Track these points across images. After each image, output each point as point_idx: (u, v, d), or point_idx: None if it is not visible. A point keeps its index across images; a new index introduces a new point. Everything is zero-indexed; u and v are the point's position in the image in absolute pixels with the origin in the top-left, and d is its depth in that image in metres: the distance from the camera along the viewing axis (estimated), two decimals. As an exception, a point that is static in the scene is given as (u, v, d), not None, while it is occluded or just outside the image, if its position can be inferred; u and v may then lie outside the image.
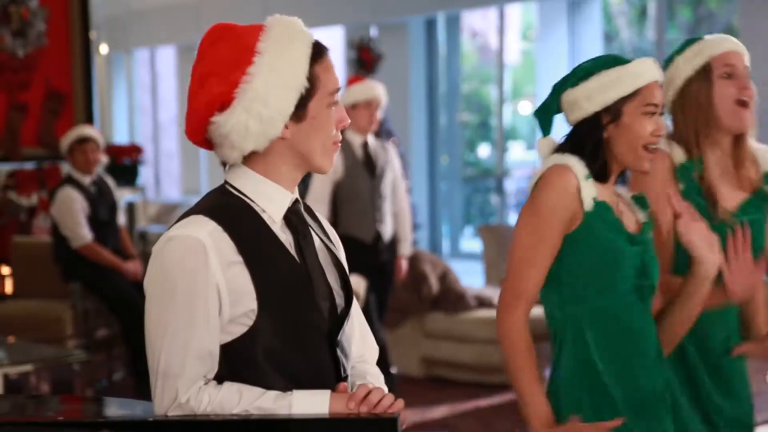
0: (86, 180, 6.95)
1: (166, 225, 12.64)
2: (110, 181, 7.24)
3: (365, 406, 2.00)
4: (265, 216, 2.08)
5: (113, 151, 9.32)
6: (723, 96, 2.85)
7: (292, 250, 2.09)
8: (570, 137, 2.63)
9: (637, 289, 2.59)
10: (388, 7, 11.55)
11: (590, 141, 2.59)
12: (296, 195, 2.14)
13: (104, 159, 7.25)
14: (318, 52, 2.08)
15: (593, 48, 10.57)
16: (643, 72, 2.57)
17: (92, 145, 6.96)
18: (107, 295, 6.89)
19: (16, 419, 2.23)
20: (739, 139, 2.91)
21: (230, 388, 2.02)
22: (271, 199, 2.09)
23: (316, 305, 2.09)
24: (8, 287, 7.63)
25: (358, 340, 2.27)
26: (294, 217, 2.11)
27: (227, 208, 2.06)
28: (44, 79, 8.55)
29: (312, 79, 2.06)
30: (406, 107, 11.64)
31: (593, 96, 2.57)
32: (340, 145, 2.14)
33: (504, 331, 2.58)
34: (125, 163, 9.42)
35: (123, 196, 8.53)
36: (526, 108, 13.08)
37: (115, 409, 2.36)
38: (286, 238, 2.09)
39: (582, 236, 2.56)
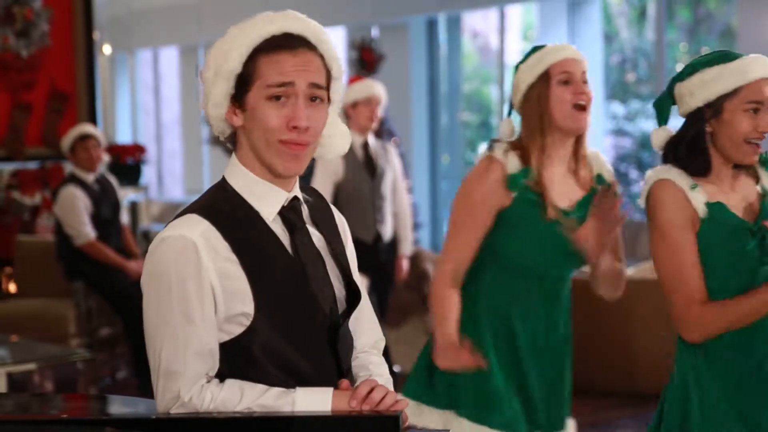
0: (89, 178, 6.97)
1: (169, 224, 12.67)
2: (113, 180, 7.26)
3: (368, 404, 2.01)
4: (261, 214, 2.09)
5: (116, 150, 9.34)
6: (560, 100, 3.01)
7: (289, 248, 2.09)
8: (679, 129, 2.74)
9: (759, 273, 2.69)
10: (389, 7, 11.57)
11: (692, 133, 2.69)
12: (294, 193, 2.12)
13: (106, 157, 7.27)
14: (271, 45, 2.05)
15: (593, 48, 10.60)
16: (747, 70, 2.64)
17: (94, 142, 6.98)
18: (110, 293, 6.90)
19: (20, 417, 2.26)
20: (578, 140, 3.08)
21: (232, 386, 2.03)
22: (262, 197, 2.09)
23: (314, 302, 2.09)
24: (12, 286, 7.66)
25: (365, 332, 2.28)
26: (291, 214, 2.11)
27: (222, 206, 2.07)
28: (48, 79, 8.58)
29: (250, 68, 2.05)
30: (407, 107, 11.67)
31: (695, 92, 2.67)
32: (297, 146, 2.05)
33: (694, 326, 2.68)
34: (128, 163, 9.44)
35: (126, 195, 8.55)
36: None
37: (119, 407, 2.36)
38: (282, 235, 2.10)
39: (702, 242, 2.67)
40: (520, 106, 3.09)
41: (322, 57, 2.09)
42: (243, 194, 2.09)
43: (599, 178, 3.11)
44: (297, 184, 2.15)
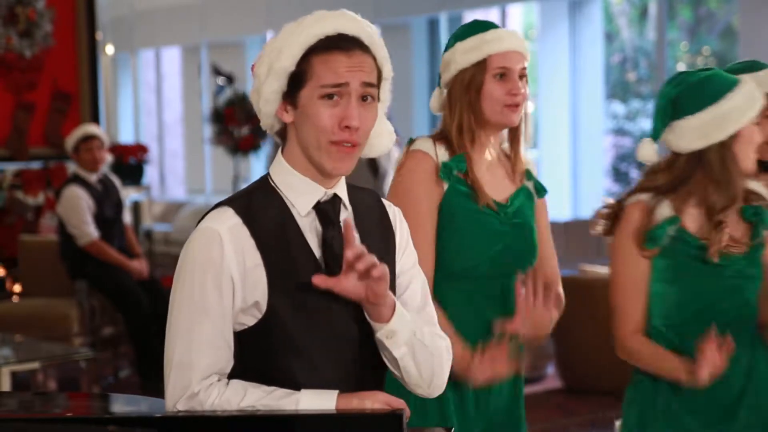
0: (92, 178, 7.00)
1: (171, 224, 12.71)
2: (116, 180, 7.29)
3: (354, 271, 2.00)
4: (294, 210, 2.11)
5: (119, 150, 9.37)
6: (492, 96, 2.82)
7: (317, 248, 2.10)
8: None
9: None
10: (390, 7, 11.60)
11: None
12: (335, 191, 2.13)
13: (109, 157, 7.30)
14: (325, 45, 2.07)
15: (594, 48, 10.62)
16: (762, 85, 2.80)
17: (97, 143, 7.02)
18: (113, 292, 6.93)
19: (24, 416, 2.28)
20: (515, 134, 2.91)
21: (237, 385, 2.05)
22: (300, 191, 2.11)
23: (335, 304, 2.08)
24: (15, 286, 7.69)
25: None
26: (328, 208, 2.12)
27: (257, 201, 2.10)
28: (51, 79, 8.61)
29: (305, 67, 2.07)
30: (409, 107, 11.69)
31: None
32: (347, 148, 2.08)
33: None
34: (130, 163, 9.48)
35: (128, 195, 8.58)
36: (528, 107, 13.11)
37: (121, 405, 2.37)
38: (311, 233, 2.11)
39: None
40: (449, 85, 2.88)
41: (374, 58, 2.12)
42: (281, 188, 2.12)
43: (528, 174, 2.96)
44: (341, 184, 2.16)
